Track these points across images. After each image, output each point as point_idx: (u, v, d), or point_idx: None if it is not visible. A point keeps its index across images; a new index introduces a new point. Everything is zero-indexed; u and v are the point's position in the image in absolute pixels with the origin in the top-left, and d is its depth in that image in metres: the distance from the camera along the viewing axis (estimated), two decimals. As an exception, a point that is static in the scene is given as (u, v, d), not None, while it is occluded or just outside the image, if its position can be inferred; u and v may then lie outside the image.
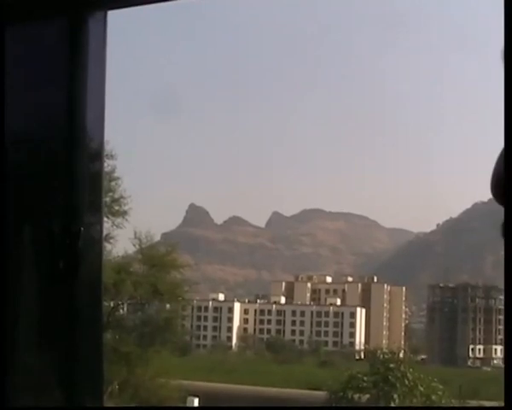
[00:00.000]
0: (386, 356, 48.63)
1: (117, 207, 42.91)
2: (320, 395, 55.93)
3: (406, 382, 44.86)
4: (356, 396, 46.00)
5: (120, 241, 47.10)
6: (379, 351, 52.40)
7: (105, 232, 43.18)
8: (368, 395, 45.75)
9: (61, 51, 2.77)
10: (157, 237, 71.30)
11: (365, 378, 45.83)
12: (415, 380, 45.19)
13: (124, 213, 43.24)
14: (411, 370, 46.86)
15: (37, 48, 2.80)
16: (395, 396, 44.35)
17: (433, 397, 44.86)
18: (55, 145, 2.76)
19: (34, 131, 2.79)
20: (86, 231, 2.71)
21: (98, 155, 2.91)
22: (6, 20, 2.77)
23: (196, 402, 29.09)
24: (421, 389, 44.79)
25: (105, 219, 42.32)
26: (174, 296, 46.64)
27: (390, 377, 44.91)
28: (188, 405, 29.27)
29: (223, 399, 49.28)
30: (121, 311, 46.19)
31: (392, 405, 43.96)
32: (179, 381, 44.09)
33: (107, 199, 42.24)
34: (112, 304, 44.04)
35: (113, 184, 42.63)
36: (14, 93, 2.76)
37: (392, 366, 45.75)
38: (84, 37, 2.78)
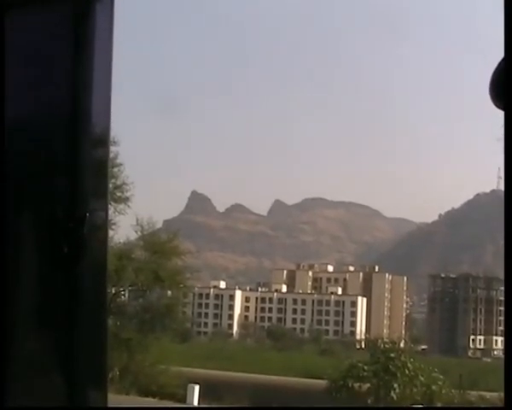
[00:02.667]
0: (386, 346, 48.38)
1: (119, 194, 42.92)
2: (319, 383, 55.80)
3: (407, 371, 44.70)
4: (356, 385, 45.85)
5: (121, 227, 46.96)
6: (379, 340, 52.04)
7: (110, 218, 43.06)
8: (368, 384, 45.59)
9: (67, 37, 2.75)
10: (159, 224, 70.96)
11: (366, 367, 45.65)
12: (415, 370, 45.04)
13: (126, 200, 43.07)
14: (412, 360, 46.68)
15: (42, 34, 2.78)
16: (395, 386, 44.19)
17: (434, 387, 44.73)
18: (60, 131, 2.75)
19: (39, 117, 2.78)
20: (91, 217, 2.71)
21: (104, 141, 2.86)
22: (9, 7, 2.76)
23: (197, 390, 28.98)
24: (422, 378, 44.65)
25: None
26: (175, 283, 46.44)
27: (390, 366, 44.75)
28: (188, 392, 29.21)
29: (221, 386, 49.15)
30: (122, 297, 46.04)
31: (393, 394, 43.80)
32: (179, 368, 43.92)
33: (110, 185, 42.05)
34: (113, 290, 43.90)
35: (115, 170, 42.42)
36: (19, 80, 2.76)
37: (392, 355, 45.59)
38: (90, 23, 2.75)
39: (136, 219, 46.05)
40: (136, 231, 46.00)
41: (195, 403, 29.85)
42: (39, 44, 2.78)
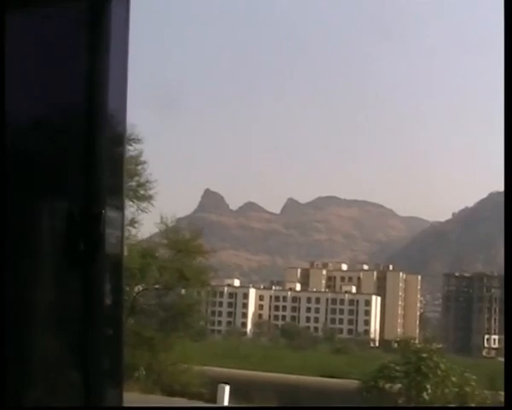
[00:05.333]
0: (418, 346, 48.00)
1: (143, 192, 42.53)
2: (344, 383, 55.62)
3: (439, 372, 44.26)
4: (387, 386, 45.54)
5: (144, 225, 46.84)
6: (412, 340, 51.49)
7: (130, 216, 42.86)
8: (399, 385, 45.27)
9: (83, 32, 2.74)
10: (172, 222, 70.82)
11: (398, 368, 45.33)
12: (447, 370, 44.64)
13: (149, 198, 42.71)
14: (444, 360, 46.36)
15: (58, 29, 2.77)
16: (428, 386, 43.84)
17: (467, 388, 44.35)
18: (76, 127, 2.74)
19: (55, 114, 2.77)
20: (107, 215, 2.69)
21: (120, 138, 2.87)
22: (24, 4, 2.76)
23: (227, 390, 28.77)
24: (454, 379, 44.21)
25: (130, 203, 41.97)
26: (200, 282, 46.25)
27: (422, 367, 44.37)
28: (219, 392, 29.03)
29: (246, 386, 48.97)
30: (146, 296, 45.91)
31: (425, 395, 43.48)
32: (198, 367, 43.71)
33: (133, 183, 41.85)
34: (137, 289, 43.81)
35: (139, 168, 42.20)
36: (33, 78, 2.76)
37: (424, 355, 45.23)
38: (106, 20, 2.74)
39: (161, 217, 45.90)
40: (160, 230, 45.80)
41: (226, 403, 29.73)
42: (54, 42, 2.76)
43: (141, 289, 44.32)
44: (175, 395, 35.71)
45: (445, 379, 44.77)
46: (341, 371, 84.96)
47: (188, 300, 47.02)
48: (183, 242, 44.85)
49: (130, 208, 42.53)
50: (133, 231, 42.93)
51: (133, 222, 43.11)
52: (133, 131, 41.66)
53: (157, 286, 45.02)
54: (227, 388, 28.12)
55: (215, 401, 32.07)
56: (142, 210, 42.79)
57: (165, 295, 46.47)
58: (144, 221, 45.13)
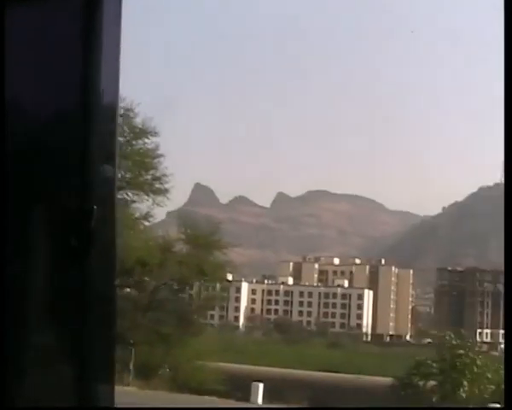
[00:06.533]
0: (454, 342, 47.04)
1: (158, 186, 41.60)
2: (376, 380, 55.17)
3: (475, 369, 43.62)
4: (421, 383, 44.88)
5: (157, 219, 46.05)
6: (447, 337, 50.26)
7: (145, 210, 42.14)
8: (434, 382, 44.63)
9: (76, 27, 2.74)
10: (162, 216, 70.25)
11: (435, 365, 44.68)
12: (482, 367, 44.03)
13: (165, 192, 41.71)
14: (480, 356, 45.76)
15: (50, 23, 2.76)
16: (465, 383, 43.13)
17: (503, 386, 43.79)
18: (67, 124, 2.74)
19: (46, 109, 2.77)
20: (99, 210, 2.69)
21: (112, 132, 2.84)
22: (15, 2, 2.74)
23: (261, 388, 28.20)
24: (489, 375, 43.58)
25: (145, 197, 41.25)
26: (217, 278, 45.54)
27: (458, 363, 43.70)
28: (252, 390, 28.43)
29: (274, 384, 48.53)
30: (164, 291, 45.21)
31: (462, 392, 42.88)
32: (203, 362, 42.93)
33: (149, 177, 41.03)
34: (154, 284, 43.14)
35: (155, 161, 41.37)
36: (25, 71, 2.74)
37: (461, 352, 44.49)
38: (98, 12, 2.74)
39: (179, 212, 45.28)
40: (178, 226, 45.03)
41: (260, 402, 29.13)
42: (47, 36, 2.76)
43: (159, 284, 43.60)
44: (201, 393, 34.96)
45: (481, 376, 44.18)
46: (338, 366, 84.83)
47: (208, 295, 46.29)
48: (201, 236, 43.72)
49: (146, 202, 41.88)
50: (147, 224, 42.25)
51: (148, 216, 42.38)
52: (149, 124, 40.96)
53: (173, 281, 44.23)
54: (261, 386, 27.54)
55: (248, 400, 31.44)
56: (157, 204, 41.98)
57: (183, 290, 45.78)
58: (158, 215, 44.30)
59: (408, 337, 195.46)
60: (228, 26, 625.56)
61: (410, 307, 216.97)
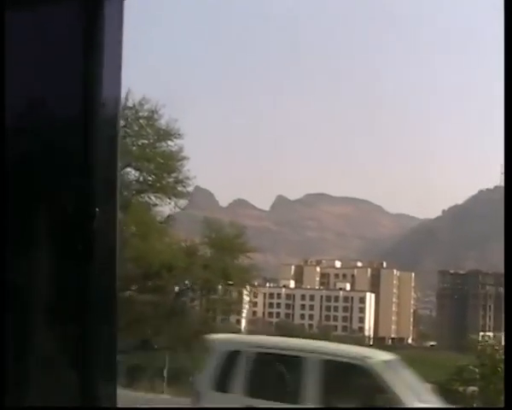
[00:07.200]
0: (496, 347, 46.65)
1: (180, 189, 41.26)
2: None
3: None
4: (461, 389, 44.44)
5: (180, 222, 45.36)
6: (484, 341, 49.75)
7: (167, 213, 41.64)
8: (474, 388, 44.19)
9: (77, 30, 2.71)
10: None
11: (477, 370, 44.25)
12: None
13: (187, 195, 41.09)
14: None
15: (51, 22, 2.74)
16: None
17: None
18: (68, 126, 2.73)
19: (47, 112, 2.75)
20: (101, 213, 2.68)
21: (113, 135, 2.82)
22: (16, 3, 2.73)
23: None
24: None
25: (167, 200, 40.77)
26: (243, 281, 45.07)
27: (499, 369, 43.29)
28: None
29: None
30: (189, 294, 44.75)
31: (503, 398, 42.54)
32: None
33: (171, 180, 40.50)
34: (178, 288, 42.71)
35: (178, 164, 40.78)
36: (25, 72, 2.72)
37: (502, 357, 44.20)
38: (100, 14, 2.72)
39: (204, 216, 44.96)
40: (203, 229, 44.49)
41: None
42: (48, 40, 2.74)
43: (182, 288, 43.13)
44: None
45: None
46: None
47: (230, 299, 45.90)
48: (226, 240, 43.05)
49: (168, 206, 41.43)
50: (169, 229, 41.73)
51: (169, 219, 41.87)
52: (174, 125, 40.49)
53: (197, 285, 43.74)
54: None
55: None
56: (179, 207, 41.50)
57: (207, 294, 45.33)
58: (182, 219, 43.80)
59: (410, 340, 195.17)
60: (227, 25, 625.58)
61: (412, 311, 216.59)
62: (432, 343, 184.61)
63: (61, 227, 2.70)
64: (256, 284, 57.42)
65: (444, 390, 44.74)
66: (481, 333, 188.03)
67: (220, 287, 46.57)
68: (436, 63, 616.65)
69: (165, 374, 34.27)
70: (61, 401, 2.72)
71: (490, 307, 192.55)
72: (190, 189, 41.74)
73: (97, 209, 2.68)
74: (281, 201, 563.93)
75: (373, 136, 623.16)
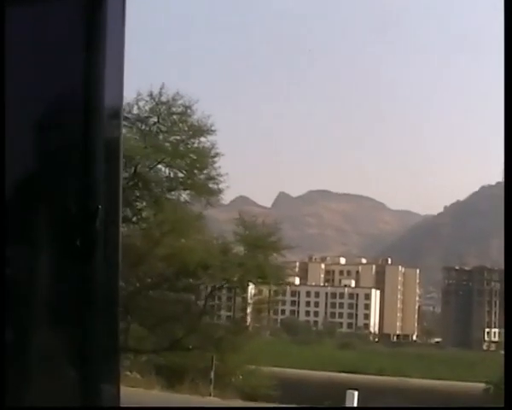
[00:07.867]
0: None
1: (212, 185, 40.54)
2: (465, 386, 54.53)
3: None
4: None
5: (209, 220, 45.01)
6: None
7: (197, 210, 41.23)
8: None
9: (79, 28, 2.71)
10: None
11: None
12: None
13: (219, 192, 40.55)
14: None
15: (51, 21, 2.73)
16: None
17: None
18: (70, 125, 2.74)
19: (51, 109, 2.75)
20: (103, 210, 2.67)
21: (116, 133, 2.83)
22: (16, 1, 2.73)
23: (356, 396, 27.14)
24: None
25: (199, 197, 40.36)
26: (277, 279, 44.66)
27: None
28: (347, 399, 27.38)
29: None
30: (223, 293, 44.33)
31: None
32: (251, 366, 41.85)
33: (202, 176, 39.99)
34: (211, 287, 42.34)
35: (210, 161, 40.12)
36: (26, 71, 2.72)
37: None
38: (102, 13, 2.71)
39: (239, 213, 44.62)
40: (237, 226, 43.97)
41: None
42: (49, 38, 2.73)
43: (214, 287, 42.80)
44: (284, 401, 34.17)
45: None
46: (352, 366, 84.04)
47: (261, 298, 45.62)
48: (261, 238, 42.53)
49: (199, 203, 41.00)
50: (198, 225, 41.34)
51: (200, 217, 41.43)
52: (207, 121, 40.01)
53: (229, 284, 43.41)
54: (355, 394, 26.68)
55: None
56: (211, 205, 41.03)
57: (241, 293, 45.02)
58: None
59: (414, 337, 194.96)
60: (227, 25, 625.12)
61: (417, 307, 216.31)
62: (437, 340, 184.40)
63: (64, 226, 2.67)
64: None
65: (498, 390, 44.71)
66: (486, 330, 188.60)
67: (253, 285, 46.26)
68: (439, 61, 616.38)
69: (212, 376, 33.66)
70: (64, 400, 2.69)
71: (495, 303, 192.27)
72: (222, 186, 41.07)
73: (99, 206, 2.66)
74: (283, 197, 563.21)
75: (375, 133, 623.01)
